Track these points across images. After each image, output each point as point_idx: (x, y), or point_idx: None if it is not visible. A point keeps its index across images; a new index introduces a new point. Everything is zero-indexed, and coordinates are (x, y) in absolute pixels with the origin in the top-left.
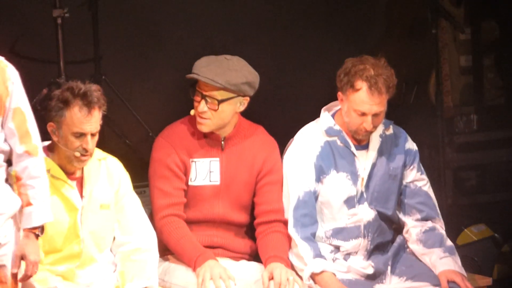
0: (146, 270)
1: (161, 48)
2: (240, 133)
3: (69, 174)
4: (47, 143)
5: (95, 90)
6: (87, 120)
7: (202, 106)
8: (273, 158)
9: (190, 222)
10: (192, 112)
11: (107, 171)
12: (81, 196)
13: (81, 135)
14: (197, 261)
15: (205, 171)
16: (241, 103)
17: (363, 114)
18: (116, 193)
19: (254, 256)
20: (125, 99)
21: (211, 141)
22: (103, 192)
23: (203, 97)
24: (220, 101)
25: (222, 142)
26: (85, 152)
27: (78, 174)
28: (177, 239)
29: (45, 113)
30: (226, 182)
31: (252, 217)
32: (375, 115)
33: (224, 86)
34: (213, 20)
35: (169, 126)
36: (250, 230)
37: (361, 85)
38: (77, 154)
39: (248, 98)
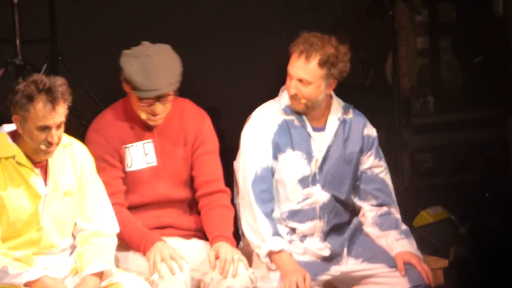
0: (104, 254)
1: (118, 28)
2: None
3: (34, 161)
4: (12, 128)
5: (60, 84)
6: (52, 116)
7: (158, 107)
8: (205, 129)
9: (134, 208)
10: (144, 116)
11: (71, 158)
12: (45, 183)
13: (45, 128)
14: (145, 246)
15: (140, 154)
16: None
17: (290, 76)
18: (79, 179)
19: (204, 232)
20: (81, 79)
21: (141, 124)
22: (67, 179)
23: (158, 99)
24: (175, 95)
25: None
26: (50, 145)
27: (43, 161)
28: (122, 228)
29: (10, 106)
30: (163, 161)
31: (194, 192)
32: (300, 81)
33: (178, 83)
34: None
35: (96, 118)
36: (195, 206)
37: (296, 49)
38: (43, 147)
39: None
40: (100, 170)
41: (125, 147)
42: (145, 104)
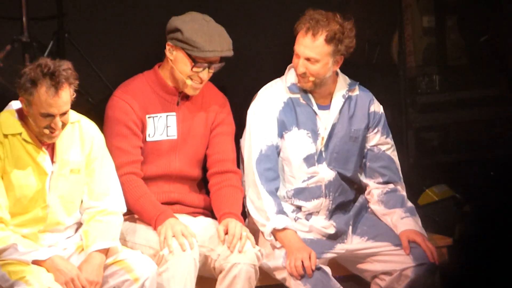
0: (110, 231)
1: (124, 5)
2: None
3: (40, 140)
4: (19, 106)
5: (64, 69)
6: (55, 101)
7: (206, 74)
8: (225, 111)
9: (146, 179)
10: (189, 82)
11: (79, 135)
12: (52, 161)
13: (49, 116)
14: (157, 220)
15: (163, 125)
16: None
17: (297, 55)
18: (88, 156)
19: (211, 211)
20: (88, 57)
21: (167, 96)
22: (74, 156)
23: (210, 65)
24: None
25: (178, 97)
26: (54, 130)
27: None
28: (136, 198)
29: (17, 88)
30: (183, 136)
31: (206, 171)
32: (308, 60)
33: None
34: None
35: (123, 84)
36: (204, 186)
37: (302, 27)
38: (46, 131)
39: None
40: (121, 136)
41: (149, 117)
42: (198, 68)
